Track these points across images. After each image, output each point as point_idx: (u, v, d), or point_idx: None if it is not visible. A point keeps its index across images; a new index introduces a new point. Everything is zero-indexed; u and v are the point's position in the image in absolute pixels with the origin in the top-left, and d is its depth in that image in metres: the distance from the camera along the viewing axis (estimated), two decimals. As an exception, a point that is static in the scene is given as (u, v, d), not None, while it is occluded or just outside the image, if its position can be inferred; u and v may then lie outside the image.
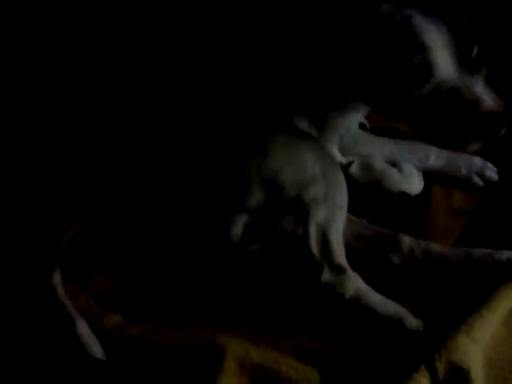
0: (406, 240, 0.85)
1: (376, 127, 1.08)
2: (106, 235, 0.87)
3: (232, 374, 0.73)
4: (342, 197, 0.81)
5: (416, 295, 0.82)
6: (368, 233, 0.88)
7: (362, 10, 0.83)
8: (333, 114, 0.95)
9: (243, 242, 0.81)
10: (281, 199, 0.80)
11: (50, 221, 0.85)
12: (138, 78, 0.93)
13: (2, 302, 0.82)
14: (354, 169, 0.96)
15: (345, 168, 0.94)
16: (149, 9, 0.99)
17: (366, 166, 0.97)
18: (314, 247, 0.78)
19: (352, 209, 0.85)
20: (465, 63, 0.83)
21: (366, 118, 1.06)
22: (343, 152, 0.99)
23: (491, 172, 0.99)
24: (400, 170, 0.97)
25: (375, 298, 0.77)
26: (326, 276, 0.77)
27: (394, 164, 0.99)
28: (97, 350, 0.76)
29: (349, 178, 0.92)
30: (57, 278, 0.80)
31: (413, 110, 0.84)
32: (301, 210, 0.79)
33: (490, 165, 1.00)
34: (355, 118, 1.01)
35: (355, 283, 0.77)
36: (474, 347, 0.72)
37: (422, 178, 0.98)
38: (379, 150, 1.01)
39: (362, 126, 1.06)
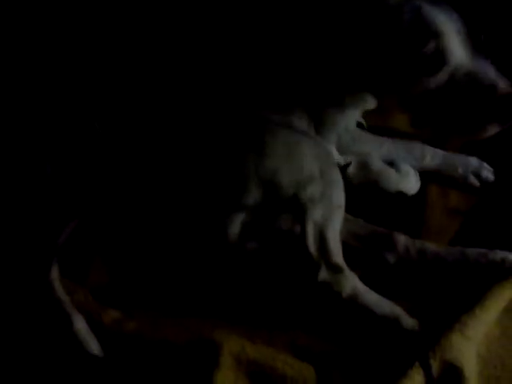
0: (402, 239, 0.86)
1: (373, 126, 1.08)
2: (104, 231, 0.87)
3: (229, 370, 0.73)
4: (339, 196, 0.81)
5: (411, 294, 0.82)
6: (363, 231, 0.88)
7: (370, 2, 0.83)
8: (331, 113, 0.95)
9: (241, 241, 0.81)
10: (278, 198, 0.80)
11: (48, 217, 0.85)
12: (136, 76, 0.93)
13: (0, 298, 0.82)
14: (351, 168, 0.96)
15: (343, 168, 0.94)
16: (146, 6, 0.99)
17: (363, 166, 0.97)
18: (312, 246, 0.78)
19: (348, 208, 0.85)
20: (477, 48, 0.83)
21: (363, 117, 1.07)
22: (341, 151, 0.99)
23: (487, 172, 0.99)
24: (397, 170, 0.97)
25: (372, 297, 0.77)
26: (323, 274, 0.78)
27: (390, 163, 0.99)
28: (94, 346, 0.76)
29: (345, 177, 0.92)
30: (54, 273, 0.80)
31: (428, 101, 0.84)
32: (298, 209, 0.79)
33: (486, 165, 1.00)
34: (353, 117, 1.01)
35: (352, 282, 0.78)
36: (468, 346, 0.72)
37: (418, 177, 0.98)
38: (376, 149, 1.01)
39: (359, 125, 1.06)
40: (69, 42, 0.98)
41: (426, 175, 0.99)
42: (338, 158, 0.97)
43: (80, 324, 0.77)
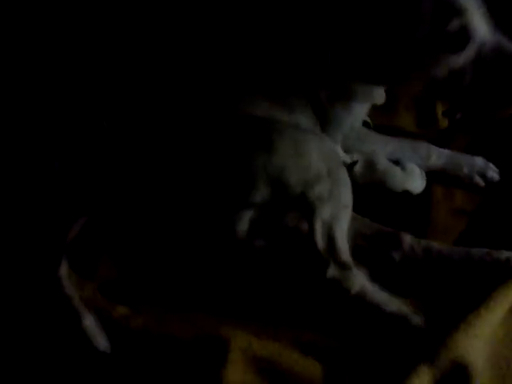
0: (407, 238, 0.86)
1: (378, 126, 1.09)
2: (112, 228, 0.88)
3: (236, 366, 0.73)
4: (346, 195, 0.81)
5: (416, 293, 0.82)
6: (369, 231, 0.88)
7: None
8: (337, 111, 0.96)
9: (248, 238, 0.82)
10: (286, 196, 0.80)
11: (57, 214, 0.86)
12: (145, 73, 0.94)
13: (9, 294, 0.82)
14: (357, 167, 0.96)
15: (349, 167, 0.94)
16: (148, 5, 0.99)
17: (369, 164, 0.97)
18: (320, 244, 0.78)
19: (354, 207, 0.84)
20: (497, 23, 0.82)
21: (369, 116, 1.07)
22: (346, 149, 0.99)
23: (493, 172, 0.99)
24: (403, 169, 0.97)
25: (380, 295, 0.78)
26: (332, 272, 0.78)
27: (396, 162, 0.99)
28: (102, 342, 0.77)
29: (351, 175, 0.92)
30: (64, 270, 0.81)
31: (455, 82, 0.83)
32: (306, 207, 0.80)
33: (491, 165, 1.00)
34: (359, 116, 1.01)
35: (360, 280, 0.78)
36: (474, 345, 0.72)
37: (424, 176, 0.98)
38: (382, 148, 1.01)
39: (365, 124, 1.06)
40: (78, 40, 0.98)
41: (431, 175, 0.99)
42: (344, 156, 0.98)
43: (88, 321, 0.78)
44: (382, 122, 1.08)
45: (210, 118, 0.87)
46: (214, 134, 0.84)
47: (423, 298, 0.81)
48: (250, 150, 0.81)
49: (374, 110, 1.04)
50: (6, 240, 0.87)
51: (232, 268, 0.84)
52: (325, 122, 0.96)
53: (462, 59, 0.82)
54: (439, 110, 1.12)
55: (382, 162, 0.98)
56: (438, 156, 1.01)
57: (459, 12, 0.78)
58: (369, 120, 1.08)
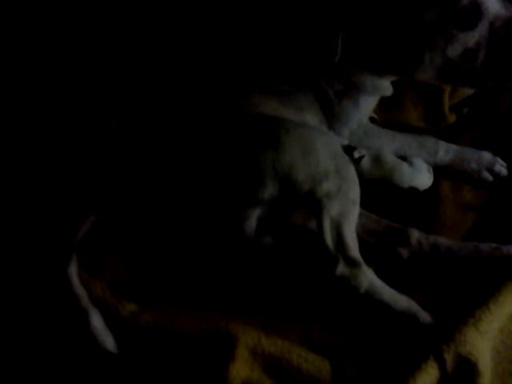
0: (415, 234, 0.86)
1: (385, 121, 1.09)
2: (121, 226, 0.88)
3: (244, 362, 0.74)
4: (354, 192, 0.81)
5: (424, 288, 0.82)
6: (377, 227, 0.88)
7: None
8: (344, 107, 0.96)
9: (256, 235, 0.82)
10: (294, 193, 0.80)
11: (67, 212, 0.86)
12: (152, 71, 0.94)
13: (18, 292, 0.83)
14: (364, 163, 0.96)
15: (355, 162, 0.93)
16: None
17: (376, 160, 0.97)
18: (329, 241, 0.78)
19: (361, 203, 0.84)
20: None
21: (376, 112, 1.07)
22: (353, 145, 1.00)
23: (500, 167, 0.99)
24: (410, 164, 0.97)
25: (388, 292, 0.77)
26: (341, 269, 0.77)
27: (403, 158, 0.98)
28: (110, 343, 0.77)
29: (358, 170, 0.92)
30: (73, 268, 0.81)
31: (470, 61, 0.82)
32: (314, 204, 0.80)
33: (499, 159, 1.00)
34: (366, 112, 1.01)
35: (369, 277, 0.78)
36: (482, 340, 0.72)
37: (432, 172, 0.98)
38: (389, 144, 1.01)
39: (372, 120, 1.06)
40: (86, 40, 0.99)
41: (438, 170, 0.99)
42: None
43: (96, 320, 0.78)
44: (388, 117, 1.08)
45: (218, 116, 0.87)
46: (222, 132, 0.84)
47: (431, 294, 0.81)
48: (258, 147, 0.81)
49: (381, 106, 1.05)
50: (16, 238, 0.87)
51: (240, 265, 0.84)
52: (332, 119, 0.97)
53: (474, 37, 0.81)
54: (446, 105, 1.12)
55: (390, 158, 0.98)
56: (446, 151, 1.01)
57: None
58: (376, 116, 1.07)
